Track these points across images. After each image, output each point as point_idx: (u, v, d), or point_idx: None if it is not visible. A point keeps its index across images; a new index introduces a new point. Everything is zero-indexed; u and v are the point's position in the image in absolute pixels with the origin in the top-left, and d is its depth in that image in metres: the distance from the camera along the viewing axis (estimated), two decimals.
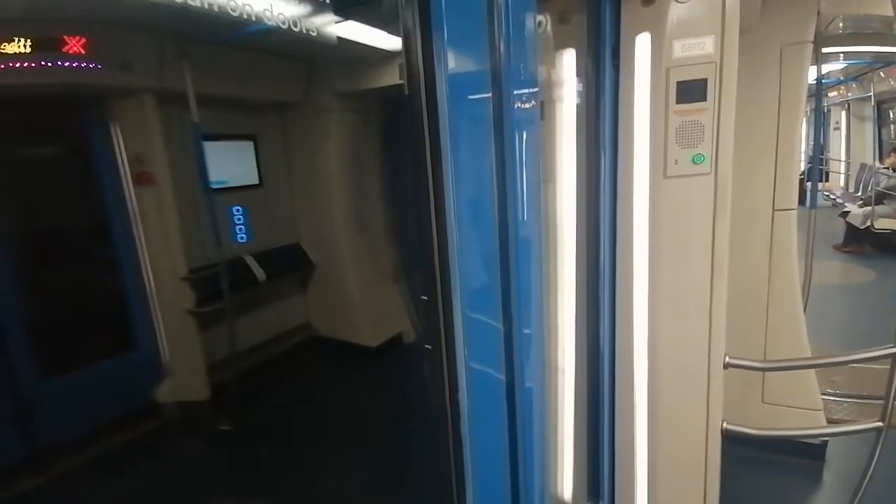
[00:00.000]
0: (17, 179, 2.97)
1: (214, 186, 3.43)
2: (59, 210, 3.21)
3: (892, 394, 1.48)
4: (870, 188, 7.02)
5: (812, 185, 3.88)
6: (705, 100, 1.35)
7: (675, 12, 1.35)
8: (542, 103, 1.40)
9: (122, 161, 3.22)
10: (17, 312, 2.82)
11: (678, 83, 1.35)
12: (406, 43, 1.02)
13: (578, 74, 1.42)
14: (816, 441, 2.55)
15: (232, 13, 2.47)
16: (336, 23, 2.96)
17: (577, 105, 1.43)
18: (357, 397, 3.72)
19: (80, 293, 3.25)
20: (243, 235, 4.06)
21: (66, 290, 3.17)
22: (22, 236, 2.94)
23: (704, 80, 1.35)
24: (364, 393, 3.78)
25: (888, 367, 1.49)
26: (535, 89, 1.11)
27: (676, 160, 1.39)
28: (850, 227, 6.72)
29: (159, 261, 3.33)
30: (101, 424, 3.06)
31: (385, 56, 3.54)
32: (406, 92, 1.02)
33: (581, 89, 1.44)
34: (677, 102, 1.36)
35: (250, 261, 3.99)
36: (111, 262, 3.29)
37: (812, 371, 2.55)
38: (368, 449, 3.00)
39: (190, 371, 3.42)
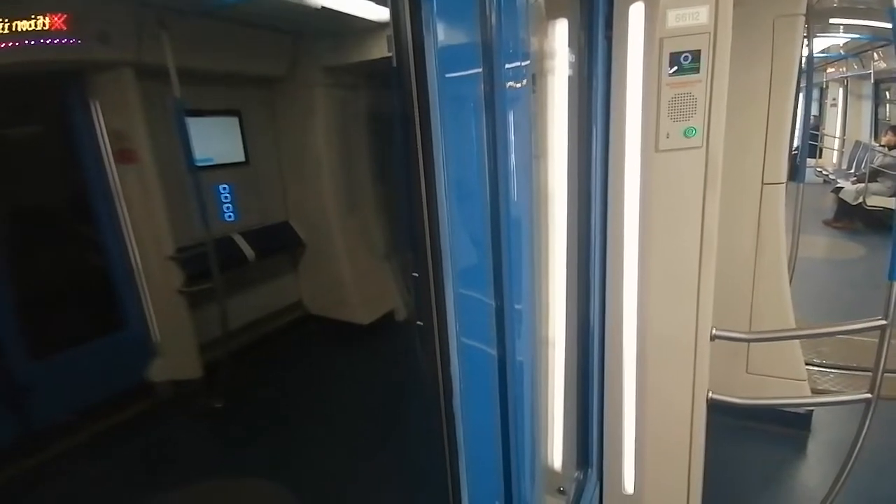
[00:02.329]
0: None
1: (199, 164, 3.36)
2: (41, 190, 3.14)
3: (882, 365, 1.51)
4: (863, 165, 7.08)
5: (801, 160, 3.89)
6: (698, 72, 1.34)
7: None
8: (533, 76, 1.37)
9: (103, 139, 3.13)
10: (3, 295, 2.77)
11: (671, 54, 1.33)
12: (394, 13, 0.98)
13: (571, 46, 1.39)
14: (802, 411, 2.62)
15: None
16: None
17: (570, 77, 1.41)
18: (349, 374, 3.75)
19: (66, 274, 3.20)
20: (231, 214, 4.00)
21: (52, 272, 3.12)
22: (4, 217, 2.88)
23: (698, 52, 1.33)
24: (356, 370, 3.82)
25: (875, 339, 1.52)
26: (527, 62, 1.08)
27: (668, 133, 1.38)
28: (841, 203, 6.81)
29: (145, 240, 3.28)
30: (94, 405, 3.06)
31: (373, 27, 3.45)
32: (394, 64, 0.99)
33: (573, 61, 1.41)
34: (670, 74, 1.35)
35: (239, 239, 3.95)
36: (96, 242, 3.24)
37: (797, 343, 2.61)
38: (360, 425, 3.04)
39: (181, 350, 3.41)
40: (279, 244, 4.38)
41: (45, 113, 3.07)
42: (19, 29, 2.52)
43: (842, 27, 6.08)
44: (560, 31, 1.41)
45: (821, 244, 6.21)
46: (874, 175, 6.59)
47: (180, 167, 3.27)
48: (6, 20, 2.48)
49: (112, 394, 3.17)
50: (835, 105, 9.96)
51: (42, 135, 3.12)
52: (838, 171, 8.83)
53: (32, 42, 2.56)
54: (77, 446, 2.87)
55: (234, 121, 4.02)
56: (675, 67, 1.33)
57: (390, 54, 1.00)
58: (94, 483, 2.62)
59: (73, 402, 3.01)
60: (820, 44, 7.43)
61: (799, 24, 2.25)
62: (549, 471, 1.74)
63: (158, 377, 3.38)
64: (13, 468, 2.66)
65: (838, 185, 7.09)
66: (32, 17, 2.53)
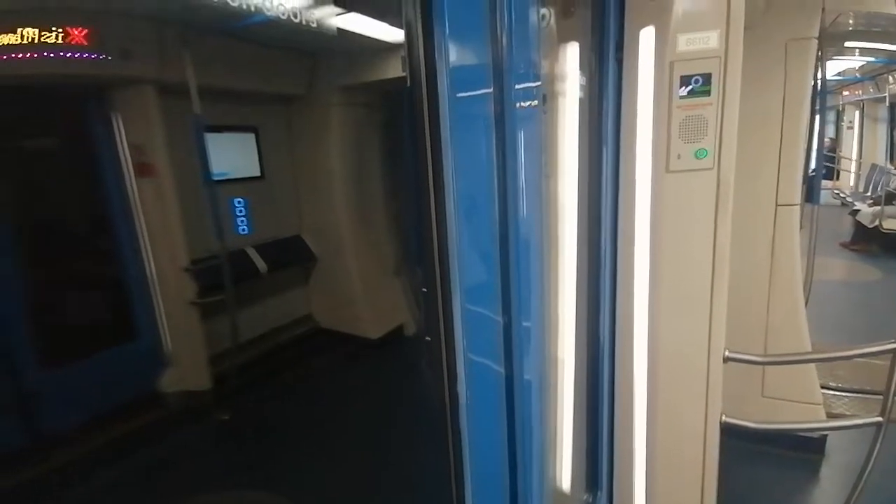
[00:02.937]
0: (20, 170, 2.97)
1: (216, 178, 3.43)
2: (62, 201, 3.22)
3: (893, 389, 1.48)
4: (879, 188, 7.01)
5: (816, 181, 3.86)
6: (709, 94, 1.34)
7: (681, 6, 1.34)
8: (544, 97, 1.39)
9: (124, 152, 3.22)
10: (20, 303, 2.83)
11: (682, 77, 1.34)
12: (408, 34, 1.01)
13: (581, 68, 1.41)
14: (816, 435, 2.56)
15: (232, 3, 2.45)
16: (339, 14, 2.94)
17: (580, 99, 1.43)
18: (358, 389, 3.74)
19: (83, 284, 3.26)
20: (245, 227, 4.07)
21: (69, 281, 3.18)
22: (25, 227, 2.95)
23: (709, 75, 1.34)
24: (365, 384, 3.81)
25: (889, 362, 1.49)
26: (538, 84, 1.10)
27: (679, 155, 1.39)
28: (858, 225, 6.75)
29: (161, 252, 3.34)
30: (104, 414, 3.09)
31: (389, 48, 3.53)
32: (407, 84, 1.02)
33: (584, 83, 1.43)
34: (681, 97, 1.36)
35: (252, 252, 4.00)
36: (113, 252, 3.30)
37: (813, 365, 2.56)
38: (368, 440, 3.02)
39: (192, 361, 3.44)
40: (291, 258, 4.42)
41: (68, 125, 3.16)
42: (45, 41, 2.61)
43: (857, 50, 6.06)
44: (571, 53, 1.43)
45: (838, 266, 6.12)
46: (890, 198, 6.55)
47: (197, 181, 3.34)
48: (32, 32, 2.57)
49: (122, 403, 3.20)
50: (851, 128, 9.92)
51: (64, 146, 3.21)
52: (855, 193, 8.74)
53: (57, 55, 2.65)
54: (87, 454, 2.89)
55: (251, 137, 4.11)
56: (686, 90, 1.34)
57: (404, 74, 1.03)
58: (103, 492, 2.63)
59: (84, 411, 3.04)
60: (835, 67, 7.42)
61: (812, 48, 2.27)
62: (558, 492, 1.71)
63: (168, 388, 3.40)
64: (25, 475, 2.68)
65: (855, 208, 7.02)
66: (57, 30, 2.63)
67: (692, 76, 1.33)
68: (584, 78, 1.43)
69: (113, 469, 2.82)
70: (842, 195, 8.88)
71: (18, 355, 2.81)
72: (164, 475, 2.79)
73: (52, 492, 2.65)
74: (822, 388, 2.68)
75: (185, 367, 3.44)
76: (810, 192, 3.69)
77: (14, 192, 2.91)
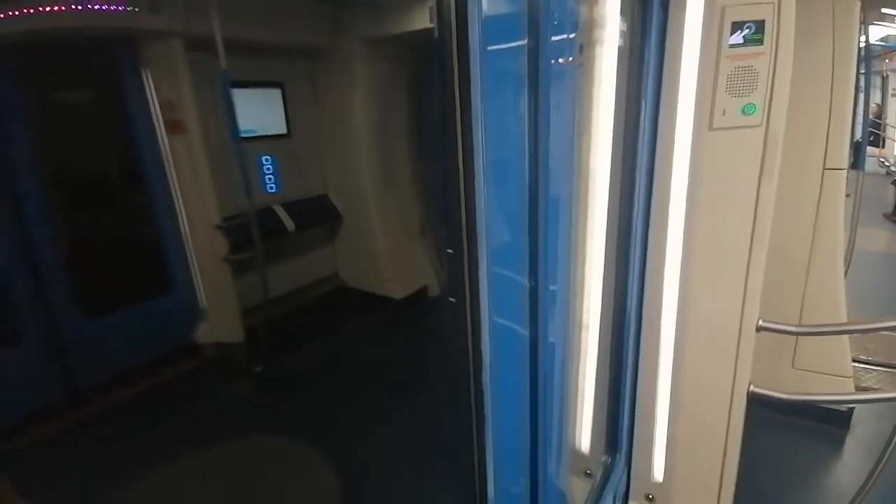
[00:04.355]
0: (56, 124, 3.03)
1: (243, 135, 3.44)
2: (98, 155, 3.29)
3: None
4: None
5: (862, 147, 3.62)
6: (762, 43, 1.24)
7: None
8: (581, 47, 1.31)
9: (155, 107, 3.24)
10: (60, 255, 2.94)
11: (733, 23, 1.24)
12: None
13: (623, 13, 1.31)
14: (843, 408, 2.51)
15: None
16: None
17: (620, 48, 1.33)
18: (381, 346, 3.84)
19: (120, 237, 3.37)
20: (272, 185, 4.10)
21: (107, 235, 3.29)
22: (60, 180, 3.03)
23: (762, 22, 1.23)
24: (388, 342, 3.90)
25: None
26: (574, 34, 1.03)
27: (724, 110, 1.30)
28: None
29: (193, 209, 3.41)
30: (143, 363, 3.25)
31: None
32: (436, 35, 0.96)
33: (625, 30, 1.34)
34: (731, 45, 1.25)
35: (280, 211, 4.05)
36: (148, 207, 3.38)
37: (846, 338, 2.48)
38: (391, 394, 3.12)
39: (225, 315, 3.57)
40: (318, 216, 4.46)
41: (101, 79, 3.17)
42: None
43: None
44: None
45: (879, 237, 5.82)
46: None
47: (226, 138, 3.35)
48: None
49: (159, 353, 3.36)
50: (895, 96, 9.28)
51: (98, 100, 3.24)
52: None
53: (86, 7, 2.65)
54: (125, 402, 3.06)
55: (277, 93, 4.07)
56: (738, 38, 1.24)
57: (432, 25, 0.97)
58: (140, 439, 2.78)
59: (122, 360, 3.20)
60: (879, 32, 6.89)
61: (855, 9, 2.11)
62: (577, 453, 1.73)
63: (204, 339, 3.56)
64: (67, 421, 2.85)
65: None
66: None
67: (745, 22, 1.22)
68: (626, 24, 1.33)
69: (150, 417, 2.99)
70: (887, 163, 8.37)
71: (60, 305, 2.95)
72: (198, 424, 2.94)
73: (92, 439, 2.79)
74: (853, 360, 2.61)
75: (219, 321, 3.58)
76: (856, 157, 3.48)
77: (50, 145, 2.98)
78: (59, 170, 3.02)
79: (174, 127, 3.26)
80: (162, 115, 3.23)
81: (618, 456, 1.75)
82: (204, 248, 3.47)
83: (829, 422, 2.51)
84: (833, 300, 2.38)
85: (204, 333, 3.56)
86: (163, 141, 3.28)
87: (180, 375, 3.34)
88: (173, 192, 3.37)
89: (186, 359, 3.45)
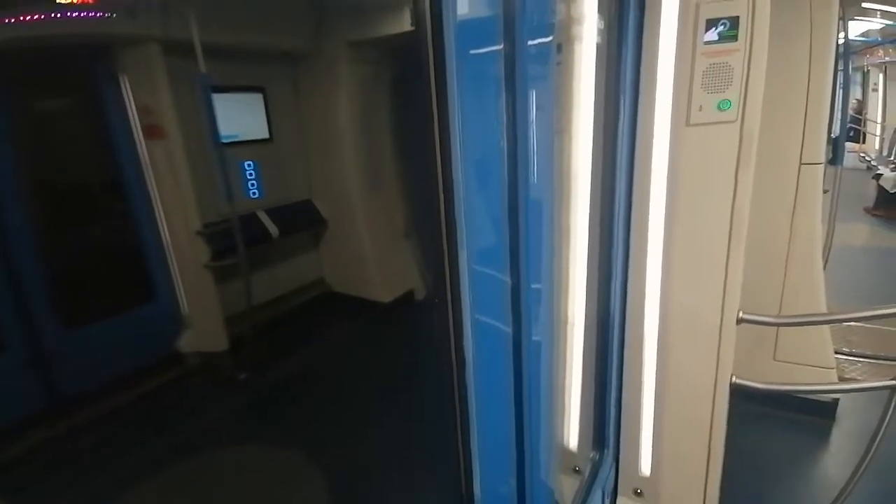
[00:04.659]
0: (35, 133, 2.96)
1: (224, 140, 3.40)
2: (75, 164, 3.22)
3: None
4: None
5: (840, 142, 3.71)
6: (736, 40, 1.26)
7: None
8: (559, 46, 1.32)
9: (133, 114, 3.18)
10: (39, 265, 2.88)
11: (708, 20, 1.26)
12: None
13: (601, 11, 1.32)
14: (828, 399, 2.55)
15: None
16: None
17: (598, 45, 1.34)
18: (369, 351, 3.81)
19: (99, 246, 3.30)
20: (255, 191, 4.05)
21: (86, 244, 3.22)
22: (39, 190, 2.96)
23: (736, 18, 1.25)
24: (376, 347, 3.87)
25: None
26: (551, 35, 1.04)
27: (701, 106, 1.32)
28: (881, 190, 6.52)
29: (174, 215, 3.35)
30: (124, 374, 3.18)
31: (395, 1, 3.38)
32: (413, 38, 0.96)
33: (602, 28, 1.35)
34: (706, 42, 1.27)
35: (263, 216, 4.01)
36: (126, 214, 3.33)
37: (826, 329, 2.52)
38: (377, 398, 3.10)
39: (208, 323, 3.51)
40: (302, 221, 4.42)
41: (77, 87, 3.12)
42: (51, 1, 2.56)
43: (879, 12, 5.73)
44: None
45: (860, 231, 5.95)
46: None
47: (206, 143, 3.31)
48: None
49: (141, 363, 3.29)
50: (876, 90, 9.49)
51: (75, 108, 3.18)
52: (879, 157, 8.41)
53: (62, 14, 2.60)
54: (107, 413, 2.99)
55: (259, 97, 4.03)
56: (712, 34, 1.26)
57: (412, 28, 0.97)
58: (123, 450, 2.73)
59: (104, 371, 3.12)
60: (859, 27, 7.06)
61: (833, 5, 2.15)
62: (565, 450, 1.73)
63: (186, 349, 3.50)
64: (46, 433, 2.77)
65: (878, 172, 6.76)
66: None
67: (719, 19, 1.24)
68: (603, 21, 1.34)
69: (133, 428, 2.93)
70: (867, 158, 8.55)
71: (40, 316, 2.88)
72: (183, 433, 2.89)
73: (73, 451, 2.73)
74: (836, 353, 2.66)
75: (202, 329, 3.52)
76: (835, 152, 3.55)
77: (25, 153, 2.91)
78: (34, 178, 2.95)
79: (153, 133, 3.21)
80: (140, 121, 3.19)
81: (605, 451, 1.76)
82: (185, 255, 3.41)
83: (815, 413, 2.54)
84: (812, 293, 2.43)
85: (187, 342, 3.50)
86: (141, 147, 3.23)
87: (163, 385, 3.27)
88: (153, 199, 3.31)
89: (169, 368, 3.39)
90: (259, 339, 3.60)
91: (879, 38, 8.04)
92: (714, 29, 1.25)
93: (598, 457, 1.77)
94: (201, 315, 3.52)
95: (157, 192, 3.31)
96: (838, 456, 2.40)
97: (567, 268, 1.58)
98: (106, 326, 3.19)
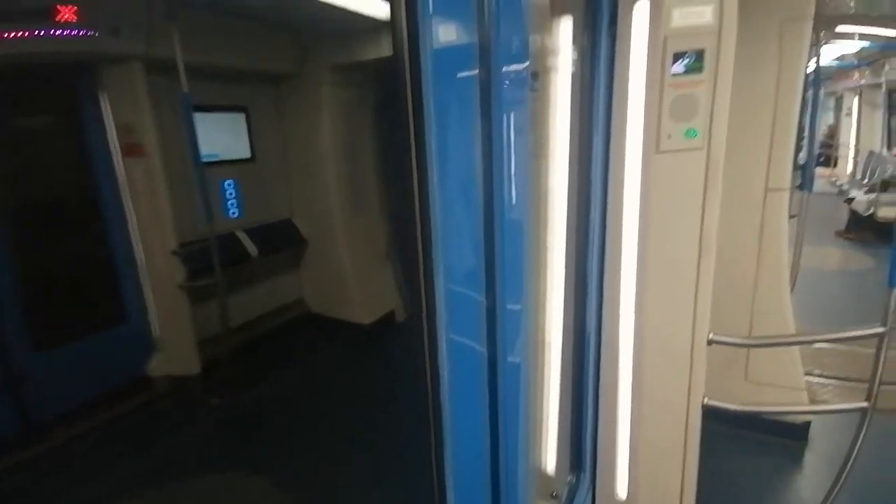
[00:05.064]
0: (6, 151, 2.90)
1: (205, 160, 3.38)
2: (48, 181, 3.15)
3: (879, 374, 1.48)
4: (876, 175, 6.94)
5: (808, 168, 3.86)
6: (702, 72, 1.32)
7: None
8: (535, 74, 1.36)
9: (112, 131, 3.15)
10: (7, 286, 2.79)
11: (675, 53, 1.32)
12: (392, 11, 0.97)
13: (574, 43, 1.38)
14: (799, 421, 2.58)
15: None
16: None
17: (573, 75, 1.40)
18: (347, 373, 3.74)
19: (70, 266, 3.21)
20: (235, 210, 4.02)
21: (56, 263, 3.13)
22: (11, 208, 2.89)
23: (702, 51, 1.31)
24: (354, 369, 3.81)
25: (874, 348, 1.49)
26: (526, 64, 1.07)
27: (670, 134, 1.37)
28: (853, 213, 6.69)
29: (149, 234, 3.30)
30: (93, 397, 3.07)
31: (379, 26, 3.45)
32: (392, 63, 0.98)
33: (577, 58, 1.40)
34: (673, 74, 1.33)
35: (242, 236, 3.96)
36: (100, 234, 3.25)
37: (796, 351, 2.58)
38: (353, 423, 3.03)
39: (180, 345, 3.42)
40: (282, 241, 4.38)
41: (56, 104, 3.08)
42: (33, 18, 2.54)
43: (857, 35, 5.97)
44: (564, 27, 1.39)
45: (832, 255, 6.09)
46: (885, 186, 6.44)
47: (186, 162, 3.28)
48: (21, 10, 2.50)
49: (111, 387, 3.18)
50: (849, 114, 9.84)
51: (52, 126, 3.13)
52: (852, 181, 8.71)
53: (45, 32, 2.59)
54: (77, 437, 2.88)
55: (241, 117, 4.04)
56: (679, 67, 1.32)
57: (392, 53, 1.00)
58: (90, 476, 2.61)
59: (73, 394, 3.02)
60: (833, 52, 7.33)
61: (806, 30, 2.23)
62: (542, 475, 1.72)
63: (157, 372, 3.39)
64: (15, 458, 2.67)
65: (850, 196, 6.99)
66: (46, 7, 2.55)
67: (685, 52, 1.30)
68: (577, 53, 1.39)
69: (102, 452, 2.81)
70: (839, 183, 8.84)
71: (8, 338, 2.78)
72: (153, 459, 2.78)
73: (42, 475, 2.63)
74: (807, 374, 2.70)
75: (175, 351, 3.42)
76: (803, 178, 3.68)
77: (2, 172, 2.84)
78: (6, 197, 2.87)
79: (132, 151, 3.18)
80: (119, 138, 3.15)
81: (582, 475, 1.75)
82: (160, 275, 3.34)
83: (787, 435, 2.56)
84: (780, 315, 2.49)
85: (157, 365, 3.39)
86: (119, 166, 3.19)
87: (132, 410, 3.16)
88: (128, 218, 3.26)
89: (139, 392, 3.27)
90: (234, 362, 3.51)
91: (856, 62, 8.18)
92: (681, 61, 1.32)
93: (574, 480, 1.76)
94: (173, 337, 3.42)
95: (132, 210, 3.26)
96: (812, 478, 2.41)
97: (544, 289, 1.60)
98: (74, 349, 3.08)
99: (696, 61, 1.32)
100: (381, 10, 3.21)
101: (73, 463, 2.72)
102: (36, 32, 2.56)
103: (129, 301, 3.35)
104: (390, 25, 0.97)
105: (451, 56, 0.96)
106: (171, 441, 2.96)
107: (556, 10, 1.38)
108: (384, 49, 3.65)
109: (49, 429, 2.86)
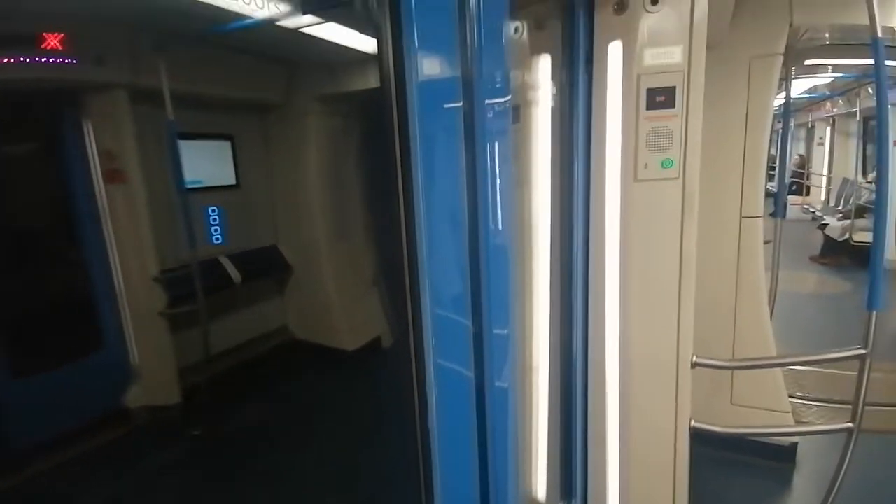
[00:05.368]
0: None
1: (189, 186, 3.37)
2: (27, 207, 3.11)
3: (862, 395, 1.50)
4: (850, 202, 7.15)
5: (780, 196, 4.00)
6: (674, 106, 1.39)
7: (646, 22, 1.40)
8: (517, 107, 1.42)
9: (94, 158, 3.14)
10: None
11: (648, 90, 1.39)
12: (379, 45, 1.02)
13: (554, 79, 1.45)
14: (786, 443, 2.61)
15: (207, 8, 2.44)
16: (315, 24, 2.95)
17: (552, 109, 1.46)
18: (333, 401, 3.67)
19: (46, 293, 3.13)
20: (219, 237, 3.99)
21: (32, 290, 3.05)
22: None
23: (673, 88, 1.39)
24: (341, 397, 3.74)
25: (856, 371, 1.51)
26: (508, 97, 1.13)
27: (646, 164, 1.43)
28: (827, 239, 6.84)
29: (130, 261, 3.25)
30: (69, 428, 2.96)
31: (365, 59, 3.55)
32: (379, 95, 1.03)
33: (556, 94, 1.47)
34: (647, 108, 1.40)
35: (225, 262, 3.92)
36: (79, 261, 3.19)
37: (779, 374, 2.63)
38: (340, 452, 2.96)
39: (160, 374, 3.33)
40: (266, 268, 4.35)
41: (37, 131, 3.06)
42: (17, 46, 2.55)
43: (830, 67, 6.19)
44: (543, 65, 1.47)
45: (808, 280, 6.22)
46: (861, 211, 6.61)
47: (169, 188, 3.27)
48: (6, 36, 2.51)
49: (87, 417, 3.07)
50: (822, 144, 10.17)
51: (33, 152, 3.11)
52: (825, 207, 8.97)
53: (31, 60, 2.60)
54: (50, 469, 2.76)
55: (227, 145, 4.05)
56: (652, 102, 1.39)
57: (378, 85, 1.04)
58: None
59: (50, 424, 2.90)
60: (805, 84, 7.60)
61: (776, 65, 2.36)
62: (532, 500, 1.70)
63: (135, 402, 3.28)
64: None
65: (824, 222, 7.19)
66: (31, 35, 2.57)
67: (658, 89, 1.38)
68: (556, 89, 1.46)
69: (80, 483, 2.70)
70: (812, 210, 9.11)
71: None
72: (131, 491, 2.67)
73: None
74: (790, 397, 2.74)
75: (154, 380, 3.33)
76: (776, 205, 3.82)
77: None
78: None
79: (113, 177, 3.16)
80: (101, 164, 3.13)
81: (573, 501, 1.74)
82: (139, 302, 3.28)
83: (775, 458, 2.58)
84: (761, 337, 2.54)
85: (135, 394, 3.29)
86: (100, 191, 3.16)
87: (109, 441, 3.03)
88: (108, 244, 3.21)
89: (116, 423, 3.16)
90: (215, 391, 3.42)
91: (828, 92, 8.35)
92: (653, 98, 1.39)
93: None
94: (152, 365, 3.33)
95: (113, 237, 3.22)
96: (800, 499, 2.43)
97: (530, 313, 1.62)
98: (52, 377, 2.98)
99: (668, 97, 1.40)
100: (369, 45, 3.31)
101: (51, 493, 2.61)
102: (21, 59, 2.57)
103: (108, 329, 3.27)
104: (377, 59, 1.01)
105: (436, 89, 1.00)
106: (150, 472, 2.84)
107: (536, 49, 1.46)
108: (371, 80, 3.73)
109: (26, 459, 2.75)
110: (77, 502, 2.57)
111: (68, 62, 2.73)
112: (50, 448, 2.84)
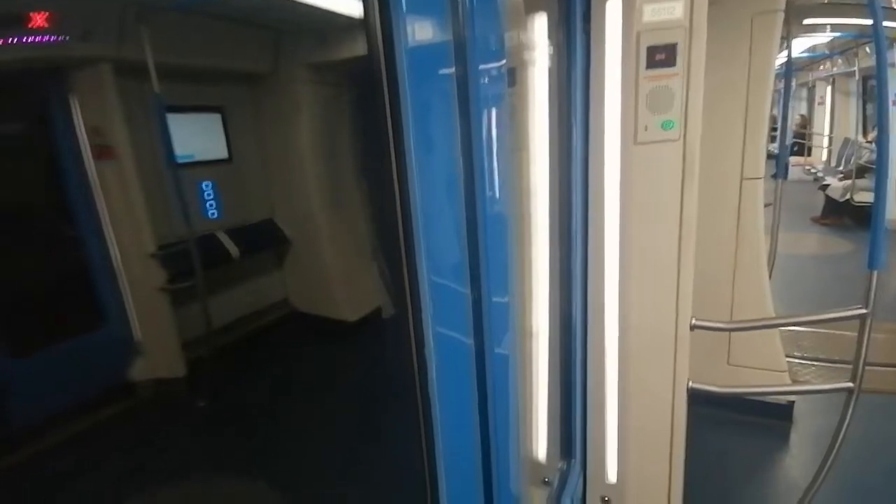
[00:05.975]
0: None
1: (180, 161, 3.31)
2: (20, 187, 3.07)
3: (863, 355, 1.49)
4: (851, 162, 7.07)
5: (782, 157, 3.95)
6: (675, 65, 1.35)
7: None
8: (513, 70, 1.37)
9: (82, 135, 3.07)
10: None
11: (648, 48, 1.34)
12: (365, 9, 0.97)
13: (550, 39, 1.40)
14: (783, 402, 2.66)
15: None
16: None
17: (549, 70, 1.41)
18: (335, 371, 3.73)
19: (46, 271, 3.13)
20: (214, 211, 3.96)
21: (31, 269, 3.05)
22: None
23: (674, 45, 1.34)
24: (343, 366, 3.80)
25: (855, 331, 1.51)
26: (503, 59, 1.09)
27: (646, 126, 1.40)
28: (829, 199, 6.81)
29: (126, 237, 3.24)
30: (74, 403, 3.01)
31: (354, 24, 3.43)
32: (368, 62, 0.99)
33: (553, 54, 1.42)
34: (647, 67, 1.36)
35: (223, 237, 3.91)
36: (75, 239, 3.18)
37: (776, 334, 2.66)
38: (343, 420, 3.03)
39: (164, 348, 3.37)
40: (264, 241, 4.34)
41: (24, 109, 3.00)
42: (6, 26, 2.48)
43: (829, 27, 6.05)
44: (539, 24, 1.41)
45: (810, 241, 6.22)
46: (861, 171, 6.55)
47: (160, 164, 3.22)
48: None
49: (92, 392, 3.12)
50: (822, 103, 10.00)
51: (20, 131, 3.05)
52: (826, 168, 8.89)
53: (14, 39, 2.52)
54: (56, 446, 2.82)
55: (217, 117, 3.97)
56: (652, 61, 1.35)
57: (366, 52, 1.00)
58: (75, 482, 2.57)
59: (52, 401, 2.95)
60: (804, 43, 7.43)
61: (777, 22, 2.29)
62: (534, 462, 1.75)
63: (140, 376, 3.33)
64: None
65: (825, 183, 7.14)
66: (15, 13, 2.49)
67: (658, 46, 1.33)
68: (553, 49, 1.41)
69: (87, 457, 2.76)
70: (813, 171, 9.03)
71: None
72: (138, 462, 2.74)
73: (25, 482, 2.58)
74: (788, 357, 2.79)
75: (157, 354, 3.37)
76: (777, 167, 3.78)
77: None
78: None
79: (103, 154, 3.10)
80: (90, 141, 3.07)
81: (573, 461, 1.78)
82: (138, 278, 3.28)
83: (772, 416, 2.64)
84: (759, 299, 2.56)
85: (140, 369, 3.33)
86: (91, 168, 3.11)
87: (116, 414, 3.10)
88: (103, 221, 3.18)
89: (122, 397, 3.22)
90: (219, 364, 3.47)
91: (827, 52, 8.22)
92: (654, 56, 1.34)
93: (565, 467, 1.79)
94: (156, 340, 3.37)
95: (107, 214, 3.19)
96: (798, 457, 2.49)
97: (529, 280, 1.62)
98: (53, 354, 3.01)
99: (669, 55, 1.35)
100: (355, 9, 3.18)
101: (57, 469, 2.67)
102: (8, 40, 2.50)
103: (107, 305, 3.29)
104: (363, 24, 0.97)
105: (427, 54, 0.96)
106: (157, 444, 2.91)
107: (530, 8, 1.39)
108: (359, 48, 3.62)
109: (32, 435, 2.80)
110: (86, 474, 2.63)
111: (55, 40, 2.64)
112: (58, 422, 2.90)
